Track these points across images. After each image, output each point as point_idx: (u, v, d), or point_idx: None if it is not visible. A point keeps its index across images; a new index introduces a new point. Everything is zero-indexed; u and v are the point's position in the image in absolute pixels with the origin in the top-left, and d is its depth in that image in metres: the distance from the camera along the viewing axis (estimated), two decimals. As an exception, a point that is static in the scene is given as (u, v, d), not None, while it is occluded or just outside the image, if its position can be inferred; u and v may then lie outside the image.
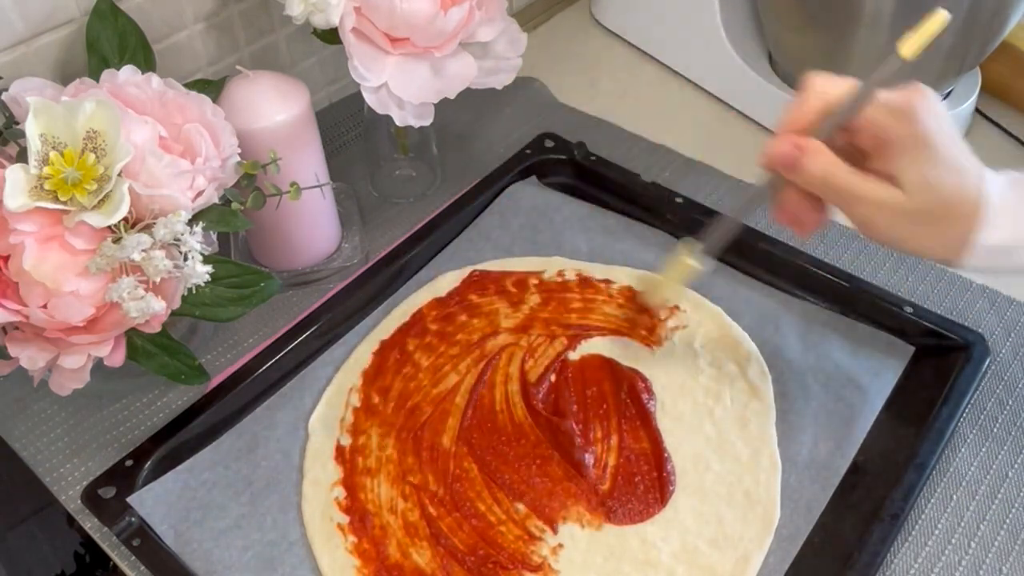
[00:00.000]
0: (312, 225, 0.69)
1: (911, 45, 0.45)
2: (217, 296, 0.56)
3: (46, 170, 0.46)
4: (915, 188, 0.45)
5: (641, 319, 0.64)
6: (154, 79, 0.53)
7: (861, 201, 0.47)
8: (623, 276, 0.68)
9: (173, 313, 0.51)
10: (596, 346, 0.64)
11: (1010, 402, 0.61)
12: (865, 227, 0.48)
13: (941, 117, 0.46)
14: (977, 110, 0.83)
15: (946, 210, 0.46)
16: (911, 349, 0.63)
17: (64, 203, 0.47)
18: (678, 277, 0.56)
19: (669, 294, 0.60)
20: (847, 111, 0.47)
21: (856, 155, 0.48)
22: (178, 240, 0.48)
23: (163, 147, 0.51)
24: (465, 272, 0.69)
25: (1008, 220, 0.45)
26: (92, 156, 0.47)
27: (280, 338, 0.64)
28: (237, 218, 0.54)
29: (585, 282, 0.68)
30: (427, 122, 0.65)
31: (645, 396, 0.60)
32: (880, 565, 0.52)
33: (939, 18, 0.45)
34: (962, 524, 0.55)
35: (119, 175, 0.47)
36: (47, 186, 0.46)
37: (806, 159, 0.47)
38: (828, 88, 0.48)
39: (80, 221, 0.47)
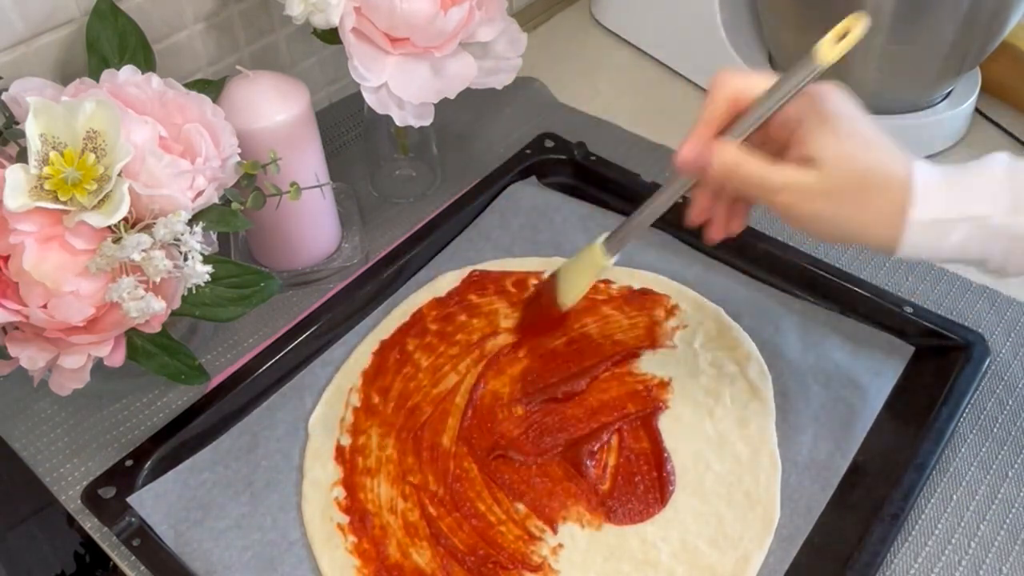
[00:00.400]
0: (312, 225, 0.69)
1: (830, 51, 0.43)
2: (217, 296, 0.56)
3: (46, 170, 0.46)
4: (830, 164, 0.44)
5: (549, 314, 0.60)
6: (154, 79, 0.53)
7: (777, 188, 0.45)
8: (623, 276, 0.68)
9: (173, 313, 0.51)
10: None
11: (1010, 402, 0.61)
12: (788, 215, 0.46)
13: (850, 102, 0.46)
14: (977, 110, 0.83)
15: (866, 183, 0.44)
16: (911, 349, 0.63)
17: (64, 203, 0.47)
18: (588, 273, 0.56)
19: (574, 291, 0.57)
20: (760, 114, 0.46)
21: (773, 149, 0.47)
22: (178, 240, 0.48)
23: (163, 147, 0.51)
24: (465, 272, 0.69)
25: (942, 194, 0.43)
26: (92, 156, 0.47)
27: (280, 338, 0.64)
28: (237, 218, 0.54)
29: (585, 282, 0.68)
30: (427, 122, 0.65)
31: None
32: (880, 565, 0.52)
33: (860, 22, 0.43)
34: (962, 524, 0.55)
35: (119, 175, 0.47)
36: (47, 186, 0.46)
37: (714, 159, 0.47)
38: (739, 87, 0.47)
39: (80, 221, 0.47)
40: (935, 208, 0.43)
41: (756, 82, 0.47)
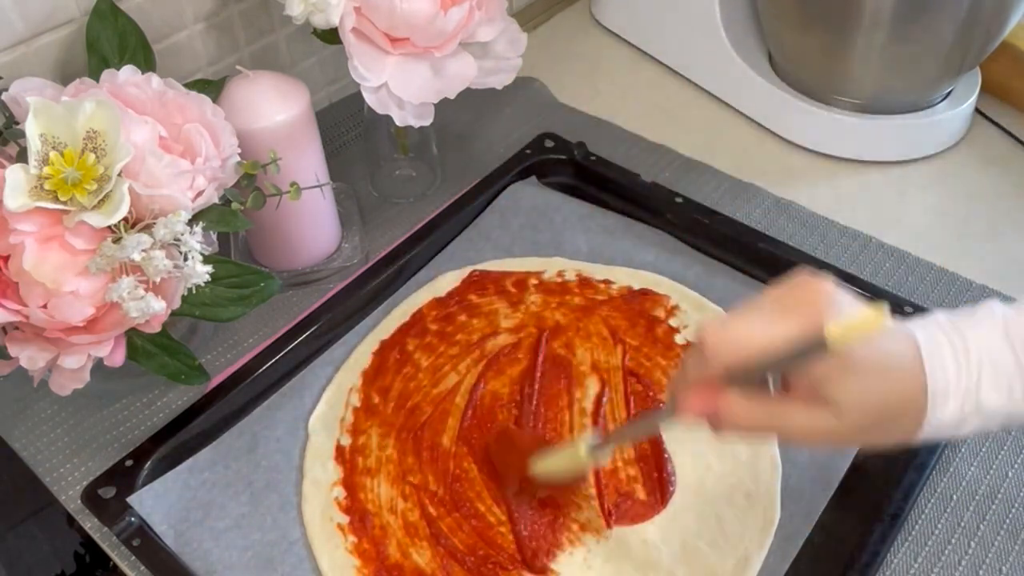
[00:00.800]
0: (312, 225, 0.69)
1: (842, 334, 0.38)
2: (217, 296, 0.56)
3: (46, 170, 0.46)
4: (851, 407, 0.41)
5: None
6: (154, 79, 0.53)
7: (796, 434, 0.43)
8: (623, 276, 0.68)
9: (173, 313, 0.51)
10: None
11: (1010, 402, 0.61)
12: (807, 446, 0.46)
13: (851, 327, 0.40)
14: (977, 110, 0.83)
15: (886, 416, 0.42)
16: (911, 349, 0.63)
17: (64, 203, 0.47)
18: (568, 467, 0.53)
19: (546, 468, 0.53)
20: (765, 372, 0.42)
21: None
22: (178, 240, 0.48)
23: (163, 147, 0.51)
24: (465, 272, 0.69)
25: (956, 400, 0.41)
26: (92, 156, 0.47)
27: (280, 338, 0.64)
28: (237, 218, 0.54)
29: (585, 282, 0.68)
30: (427, 122, 0.65)
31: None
32: (880, 565, 0.52)
33: (880, 314, 0.39)
34: (962, 524, 0.55)
35: (119, 175, 0.47)
36: (47, 186, 0.46)
37: (725, 418, 0.43)
38: (731, 351, 0.42)
39: (80, 221, 0.47)
40: (952, 412, 0.42)
41: (748, 343, 0.42)
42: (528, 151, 0.78)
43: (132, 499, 0.55)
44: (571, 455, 0.52)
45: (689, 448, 0.58)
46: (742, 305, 0.43)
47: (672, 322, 0.65)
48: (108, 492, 0.55)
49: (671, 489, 0.56)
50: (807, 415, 0.42)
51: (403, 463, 0.58)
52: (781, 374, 0.43)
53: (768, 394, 0.43)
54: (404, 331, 0.65)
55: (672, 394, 0.46)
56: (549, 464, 0.53)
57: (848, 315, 0.40)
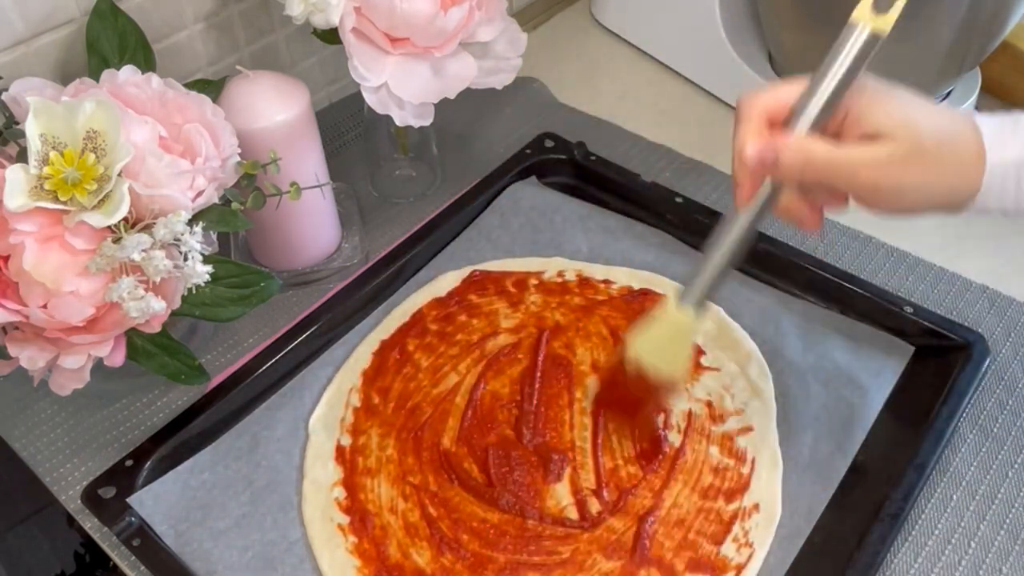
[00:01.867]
0: (312, 225, 0.69)
1: (874, 17, 0.41)
2: (217, 296, 0.56)
3: (46, 170, 0.46)
4: (900, 132, 0.43)
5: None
6: (154, 79, 0.53)
7: (855, 169, 0.43)
8: (623, 276, 0.68)
9: (173, 313, 0.51)
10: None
11: (1010, 402, 0.61)
12: (875, 193, 0.44)
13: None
14: (977, 110, 0.83)
15: (940, 141, 0.43)
16: (911, 349, 0.63)
17: (64, 203, 0.47)
18: (674, 338, 0.49)
19: (665, 363, 0.49)
20: (822, 96, 0.44)
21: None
22: (178, 240, 0.48)
23: (163, 147, 0.51)
24: (465, 272, 0.69)
25: (1015, 138, 0.43)
26: (92, 156, 0.47)
27: (280, 338, 0.64)
28: (237, 218, 0.54)
29: (585, 283, 0.68)
30: (427, 122, 0.65)
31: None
32: (880, 565, 0.52)
33: None
34: (962, 524, 0.55)
35: (119, 175, 0.47)
36: (47, 186, 0.46)
37: (784, 152, 0.44)
38: (768, 100, 0.46)
39: (80, 221, 0.47)
40: (1012, 150, 0.43)
41: (785, 91, 0.45)
42: (528, 151, 0.78)
43: (132, 499, 0.55)
44: (669, 327, 0.48)
45: (690, 448, 0.58)
46: None
47: (672, 322, 0.65)
48: (108, 492, 0.55)
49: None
50: (865, 147, 0.43)
51: (403, 463, 0.58)
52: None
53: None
54: (404, 331, 0.65)
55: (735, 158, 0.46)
56: (657, 348, 0.48)
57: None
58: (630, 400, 0.54)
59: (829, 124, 0.45)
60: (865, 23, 0.42)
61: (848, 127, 0.45)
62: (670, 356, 0.50)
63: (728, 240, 0.47)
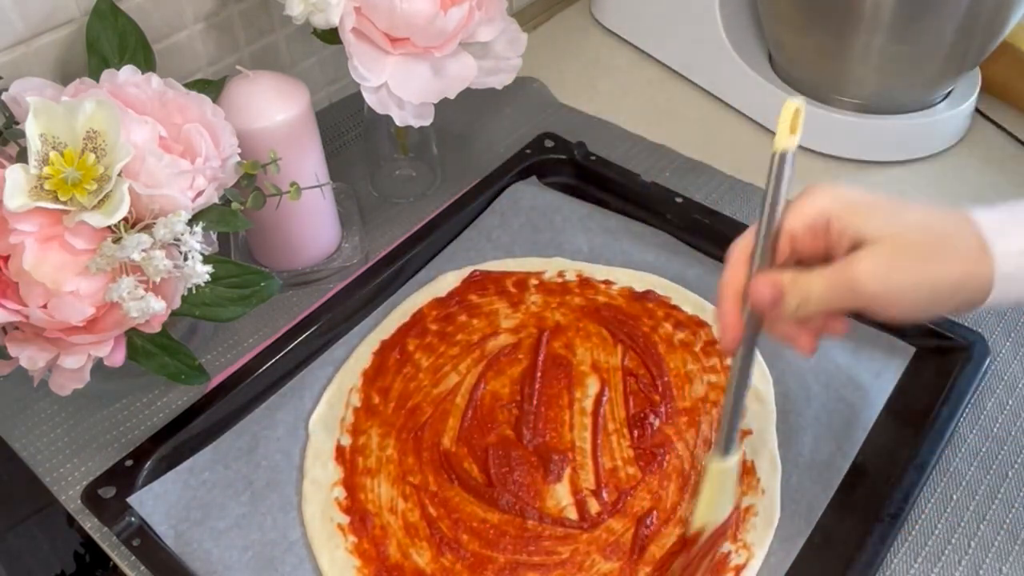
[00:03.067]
0: (312, 225, 0.69)
1: (785, 139, 0.44)
2: (217, 296, 0.56)
3: (46, 170, 0.46)
4: (884, 230, 0.42)
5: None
6: (154, 79, 0.53)
7: (850, 282, 0.42)
8: (624, 277, 0.68)
9: (173, 313, 0.51)
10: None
11: (1010, 402, 0.61)
12: (876, 302, 0.42)
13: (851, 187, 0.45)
14: (977, 110, 0.83)
15: (935, 235, 0.42)
16: (912, 349, 0.63)
17: (64, 203, 0.47)
18: (723, 490, 0.50)
19: (707, 509, 0.51)
20: (767, 227, 0.45)
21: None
22: (178, 240, 0.48)
23: (163, 147, 0.51)
24: (465, 272, 0.69)
25: (1015, 228, 0.41)
26: (92, 156, 0.47)
27: (280, 338, 0.64)
28: (237, 218, 0.54)
29: (586, 283, 0.68)
30: (427, 122, 0.65)
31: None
32: (880, 565, 0.52)
33: (798, 104, 0.44)
34: (962, 524, 0.55)
35: (119, 175, 0.47)
36: (47, 186, 0.46)
37: (793, 291, 0.44)
38: (740, 244, 0.47)
39: (80, 221, 0.47)
40: (1016, 239, 0.41)
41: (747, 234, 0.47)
42: (528, 151, 0.78)
43: (132, 499, 0.55)
44: (712, 479, 0.49)
45: (690, 449, 0.58)
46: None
47: (672, 322, 0.65)
48: (108, 492, 0.55)
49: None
50: (859, 256, 0.42)
51: (403, 463, 0.58)
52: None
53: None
54: (404, 331, 0.65)
55: (719, 306, 0.47)
56: (704, 505, 0.50)
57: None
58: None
59: (812, 245, 0.45)
60: (779, 145, 0.44)
61: (835, 244, 0.44)
62: (725, 503, 0.52)
63: (733, 383, 0.48)
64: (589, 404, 0.61)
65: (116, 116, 0.47)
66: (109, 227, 0.47)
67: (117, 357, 0.52)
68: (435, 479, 0.57)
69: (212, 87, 0.61)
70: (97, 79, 0.53)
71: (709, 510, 0.51)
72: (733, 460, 0.49)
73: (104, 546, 0.55)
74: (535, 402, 0.61)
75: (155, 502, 0.55)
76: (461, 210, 0.73)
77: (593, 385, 0.62)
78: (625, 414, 0.60)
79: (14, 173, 0.46)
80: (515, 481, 0.56)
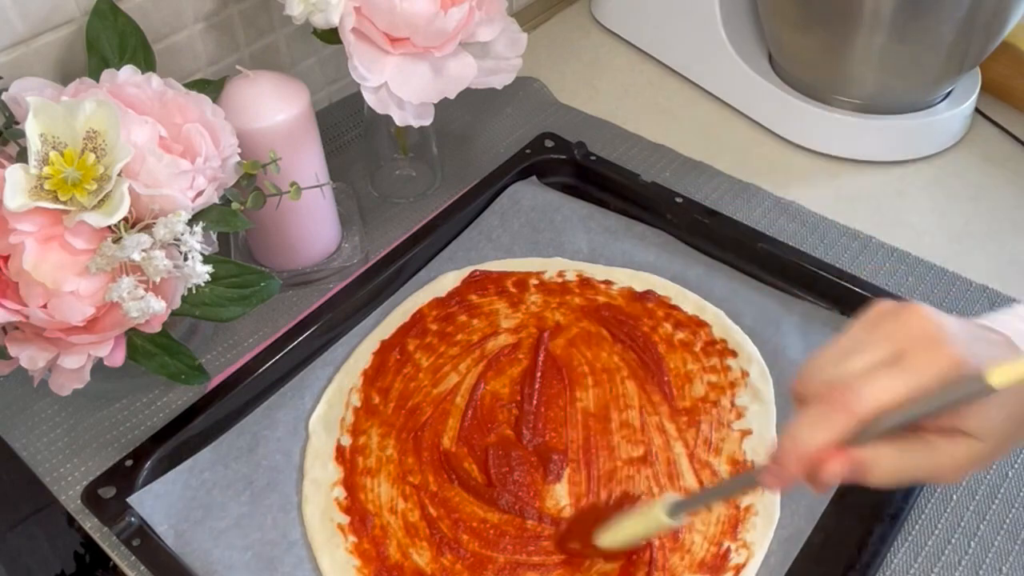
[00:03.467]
0: (312, 225, 0.69)
1: (1008, 380, 0.37)
2: (217, 296, 0.56)
3: (46, 170, 0.46)
4: (992, 433, 0.39)
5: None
6: (154, 79, 0.53)
7: (945, 470, 0.39)
8: (624, 277, 0.68)
9: (173, 313, 0.51)
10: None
11: (1010, 402, 0.61)
12: (953, 480, 0.41)
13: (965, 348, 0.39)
14: (977, 110, 0.83)
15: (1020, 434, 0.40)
16: (911, 349, 0.63)
17: (64, 203, 0.47)
18: (646, 529, 0.50)
19: (625, 541, 0.50)
20: (904, 418, 0.39)
21: None
22: (178, 240, 0.48)
23: (163, 147, 0.51)
24: (465, 272, 0.69)
25: None
26: (92, 156, 0.47)
27: (280, 338, 0.64)
28: (237, 218, 0.54)
29: (586, 283, 0.68)
30: (427, 122, 0.65)
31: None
32: (880, 565, 0.52)
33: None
34: (962, 524, 0.55)
35: (119, 175, 0.47)
36: (47, 186, 0.46)
37: (872, 472, 0.39)
38: (868, 405, 0.39)
39: (80, 221, 0.47)
40: None
41: (885, 391, 0.39)
42: (528, 151, 0.78)
43: (132, 499, 0.55)
44: (649, 519, 0.48)
45: (690, 448, 0.58)
46: (835, 346, 0.40)
47: (672, 322, 0.65)
48: (108, 492, 0.55)
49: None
50: (951, 448, 0.39)
51: (403, 463, 0.58)
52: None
53: (902, 438, 0.39)
54: (404, 331, 0.65)
55: (780, 458, 0.41)
56: (621, 532, 0.50)
57: (1002, 357, 0.38)
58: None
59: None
60: (994, 381, 0.38)
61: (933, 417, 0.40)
62: (636, 542, 0.51)
63: (739, 488, 0.49)
64: (589, 404, 0.61)
65: (116, 116, 0.47)
66: (109, 227, 0.47)
67: (117, 357, 0.52)
68: (435, 479, 0.57)
69: (212, 87, 0.61)
70: (97, 79, 0.53)
71: (622, 540, 0.50)
72: (676, 523, 0.48)
73: (104, 546, 0.55)
74: (535, 402, 0.61)
75: (155, 502, 0.55)
76: (461, 210, 0.73)
77: (593, 385, 0.62)
78: (625, 414, 0.60)
79: (14, 173, 0.46)
80: (515, 481, 0.56)
